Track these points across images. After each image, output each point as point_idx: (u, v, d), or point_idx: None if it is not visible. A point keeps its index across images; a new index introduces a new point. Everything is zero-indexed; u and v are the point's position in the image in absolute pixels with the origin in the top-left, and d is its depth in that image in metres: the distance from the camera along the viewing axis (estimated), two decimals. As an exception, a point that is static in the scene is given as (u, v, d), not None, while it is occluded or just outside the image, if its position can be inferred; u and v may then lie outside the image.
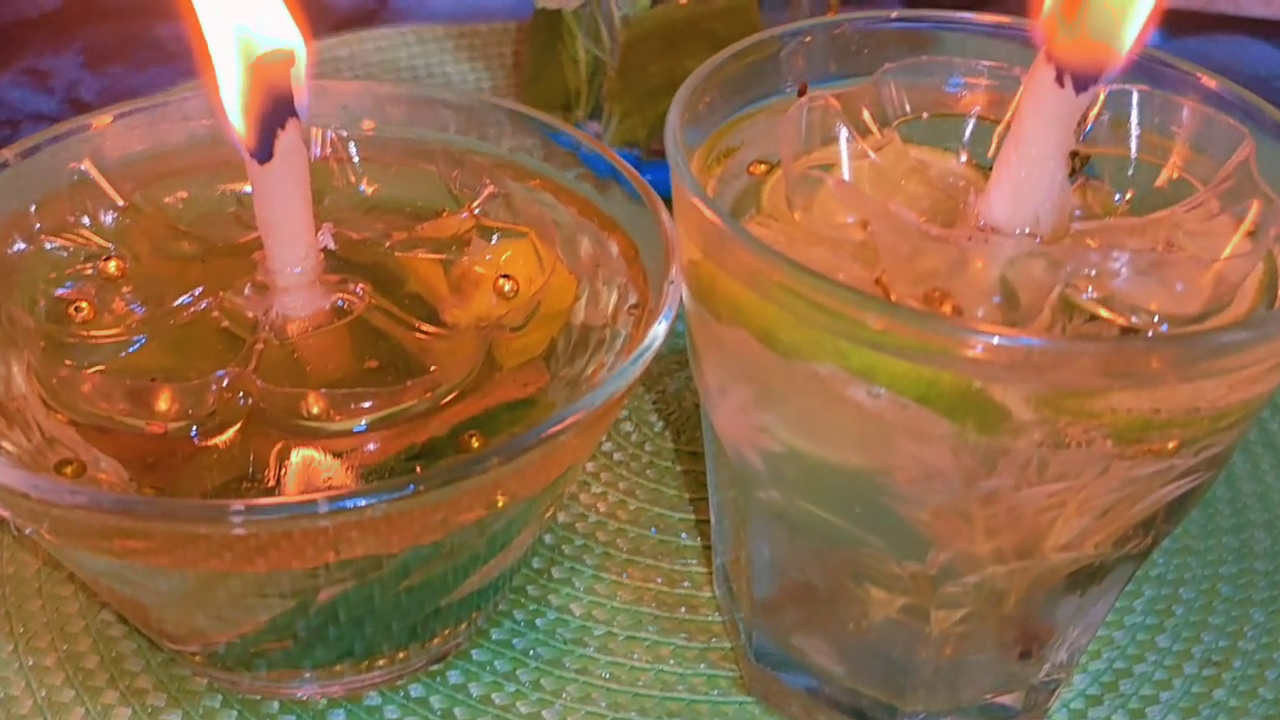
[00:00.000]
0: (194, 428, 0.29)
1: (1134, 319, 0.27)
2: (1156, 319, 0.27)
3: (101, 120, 0.36)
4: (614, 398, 0.29)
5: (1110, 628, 0.38)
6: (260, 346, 0.30)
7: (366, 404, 0.30)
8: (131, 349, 0.31)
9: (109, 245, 0.34)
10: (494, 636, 0.37)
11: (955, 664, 0.32)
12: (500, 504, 0.29)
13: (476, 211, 0.35)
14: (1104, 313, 0.27)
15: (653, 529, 0.41)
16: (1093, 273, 0.26)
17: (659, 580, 0.39)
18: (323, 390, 0.29)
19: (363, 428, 0.30)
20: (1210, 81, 0.31)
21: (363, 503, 0.26)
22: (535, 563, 0.40)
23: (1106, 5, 0.25)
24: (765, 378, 0.28)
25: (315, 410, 0.29)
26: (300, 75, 0.30)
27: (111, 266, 0.33)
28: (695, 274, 0.29)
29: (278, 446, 0.29)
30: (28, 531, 0.28)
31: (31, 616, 0.37)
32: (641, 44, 0.50)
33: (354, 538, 0.28)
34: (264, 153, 0.30)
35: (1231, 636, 0.38)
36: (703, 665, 0.37)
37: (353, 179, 0.37)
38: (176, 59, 0.67)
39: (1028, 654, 0.33)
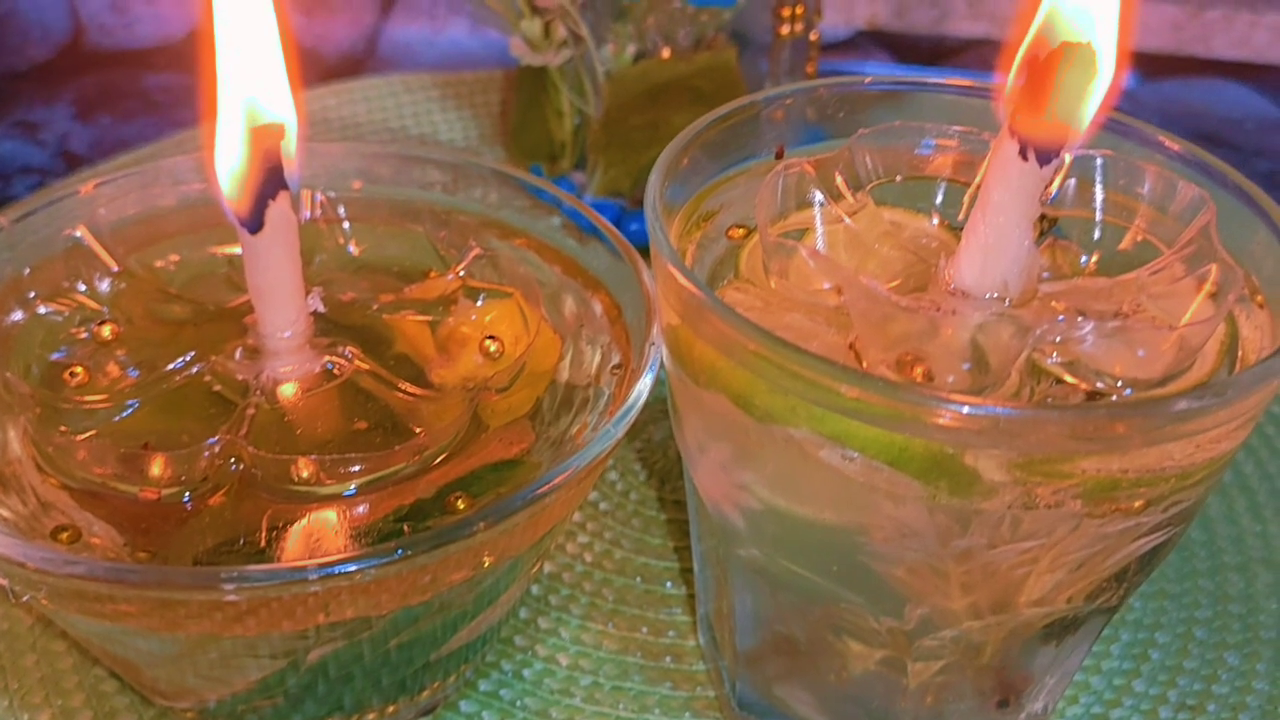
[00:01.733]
0: (186, 493, 0.30)
1: (1099, 384, 0.27)
2: (1120, 383, 0.27)
3: (94, 184, 0.37)
4: (599, 458, 0.30)
5: (1088, 673, 0.39)
6: (251, 411, 0.31)
7: (355, 468, 0.30)
8: (125, 414, 0.31)
9: (103, 310, 0.35)
10: (482, 688, 0.38)
11: (934, 713, 0.33)
12: (486, 564, 0.30)
13: (462, 273, 0.36)
14: (1069, 378, 0.27)
15: (638, 578, 0.42)
16: (1058, 338, 0.27)
17: (644, 630, 0.40)
18: (313, 455, 0.30)
19: (352, 491, 0.31)
20: (1173, 144, 0.32)
21: (352, 569, 0.27)
22: (523, 613, 0.40)
23: (1069, 91, 0.26)
24: (743, 439, 0.29)
25: (305, 475, 0.30)
26: (291, 147, 0.31)
27: (105, 331, 0.34)
28: (674, 338, 0.30)
29: (269, 511, 0.30)
30: (25, 599, 0.29)
31: (26, 673, 0.37)
32: (625, 98, 0.51)
33: (343, 600, 0.28)
34: (255, 223, 0.31)
35: (1206, 680, 0.39)
36: (687, 715, 0.37)
37: (341, 240, 0.38)
38: (163, 109, 0.69)
39: (1005, 703, 0.34)
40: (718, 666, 0.37)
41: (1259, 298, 0.30)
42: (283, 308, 0.32)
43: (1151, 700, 0.38)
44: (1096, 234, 0.32)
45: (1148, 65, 0.74)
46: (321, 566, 0.26)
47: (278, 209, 0.31)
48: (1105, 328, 0.27)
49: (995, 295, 0.29)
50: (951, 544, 0.28)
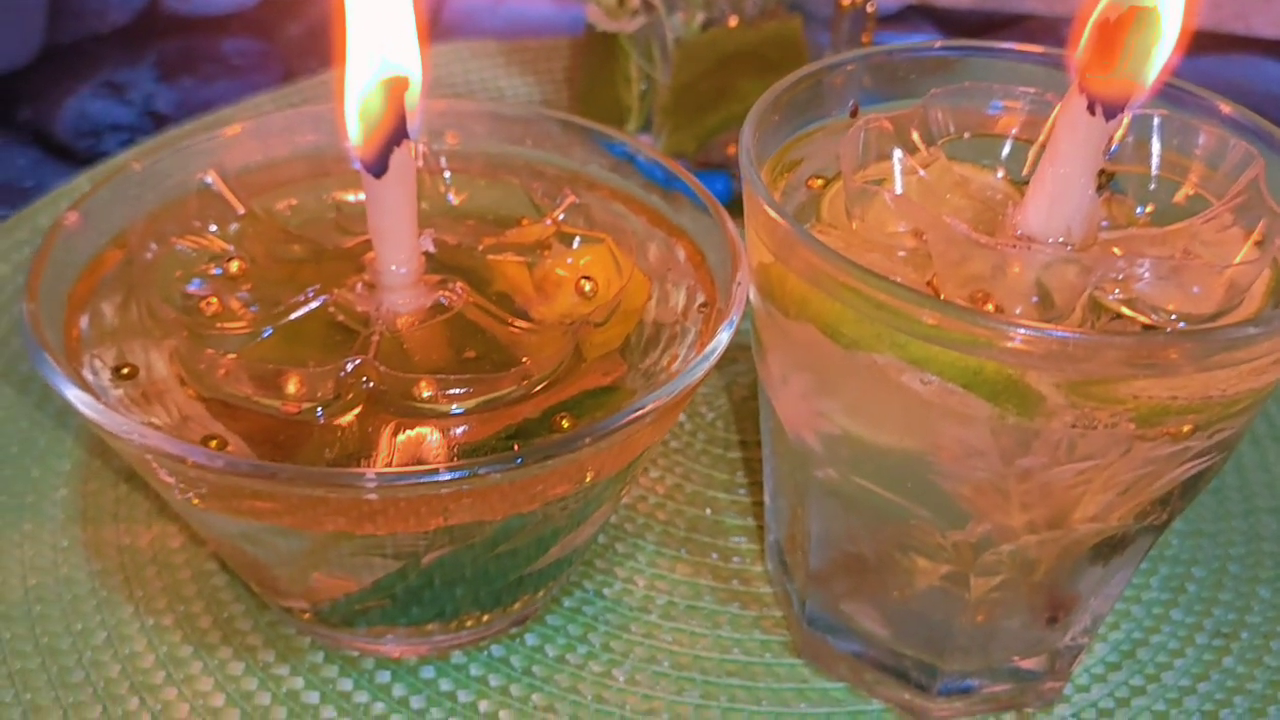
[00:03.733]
0: (320, 409, 0.33)
1: (1154, 318, 0.30)
2: (1174, 317, 0.30)
3: (223, 130, 0.40)
4: (689, 387, 0.33)
5: (1128, 602, 0.42)
6: (376, 338, 0.34)
7: (469, 389, 0.33)
8: (259, 339, 0.35)
9: (229, 248, 0.38)
10: (566, 604, 0.41)
11: (989, 628, 0.36)
12: (587, 480, 0.33)
13: (562, 218, 0.39)
14: (1127, 312, 0.30)
15: (707, 509, 0.45)
16: (1119, 277, 0.30)
17: (714, 556, 0.43)
18: (435, 376, 0.33)
19: (464, 410, 0.34)
20: (1226, 107, 0.35)
21: (480, 472, 0.30)
22: (601, 539, 0.43)
23: (1136, 52, 0.29)
24: (826, 367, 0.32)
25: (427, 394, 0.33)
26: (415, 98, 0.34)
27: (234, 267, 0.37)
28: (765, 275, 0.33)
29: (393, 425, 0.33)
30: (177, 496, 0.32)
31: (148, 582, 0.41)
32: (693, 64, 0.54)
33: (463, 505, 0.32)
34: (381, 168, 0.34)
35: (1240, 611, 0.42)
36: (756, 631, 0.41)
37: (442, 189, 0.41)
38: (242, 73, 0.72)
39: (1054, 620, 0.37)
40: (785, 589, 0.40)
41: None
42: (400, 246, 0.36)
43: (1188, 628, 0.41)
44: (1152, 187, 0.35)
45: (1189, 42, 0.76)
46: (451, 470, 0.30)
47: (400, 155, 0.34)
48: (1161, 267, 0.30)
49: (1060, 239, 0.32)
50: (1014, 463, 0.31)
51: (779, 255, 0.31)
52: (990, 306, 0.30)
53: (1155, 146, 0.35)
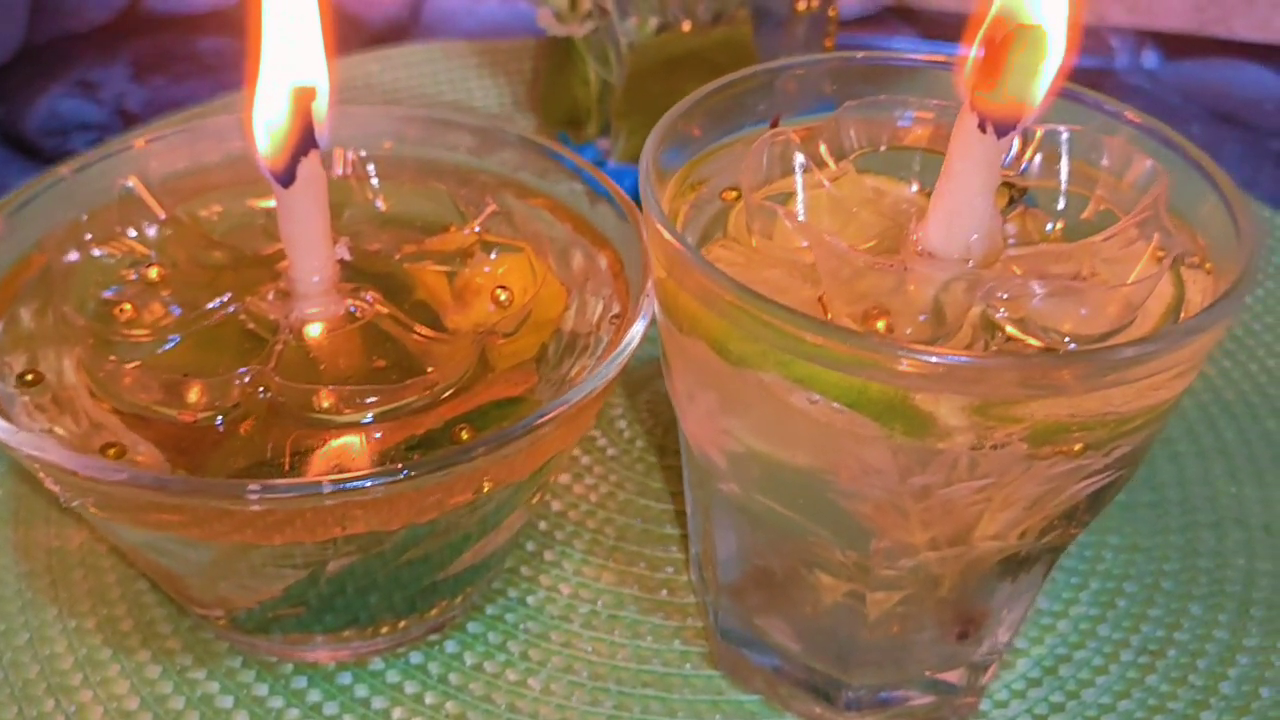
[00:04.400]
0: (219, 417, 0.33)
1: (1045, 338, 0.30)
2: (1065, 339, 0.30)
3: (145, 139, 0.41)
4: (589, 396, 0.33)
5: (1055, 617, 0.42)
6: (280, 347, 0.34)
7: (371, 399, 0.33)
8: (167, 346, 0.35)
9: (150, 254, 0.38)
10: (488, 611, 0.41)
11: (896, 643, 0.36)
12: (487, 489, 0.33)
13: (478, 229, 0.39)
14: (1016, 332, 0.30)
15: (639, 519, 0.45)
16: (1007, 295, 0.30)
17: (642, 565, 0.43)
18: (333, 387, 0.33)
19: (369, 420, 0.34)
20: (1134, 116, 0.35)
21: (363, 485, 0.30)
22: (530, 546, 0.43)
23: (1021, 70, 0.28)
24: (720, 384, 0.32)
25: (326, 405, 0.33)
26: (322, 109, 0.34)
27: (152, 273, 0.38)
28: (662, 290, 0.33)
29: (293, 436, 0.33)
30: (74, 505, 0.32)
31: (74, 585, 0.41)
32: (645, 68, 0.54)
33: (356, 516, 0.32)
34: (288, 178, 0.34)
35: (1168, 628, 0.41)
36: (677, 642, 0.41)
37: (370, 196, 0.41)
38: (215, 72, 0.72)
39: (965, 635, 0.37)
40: (704, 600, 0.40)
41: (1207, 265, 0.33)
42: (311, 255, 0.36)
43: (1114, 644, 0.41)
44: (1061, 204, 0.35)
45: (1169, 45, 0.75)
46: (335, 482, 0.30)
47: (308, 165, 0.34)
48: (1052, 287, 0.30)
49: (960, 257, 0.32)
50: (909, 481, 0.31)
51: (669, 270, 0.31)
52: (881, 324, 0.30)
53: (1064, 162, 0.35)
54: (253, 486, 0.30)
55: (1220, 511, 0.45)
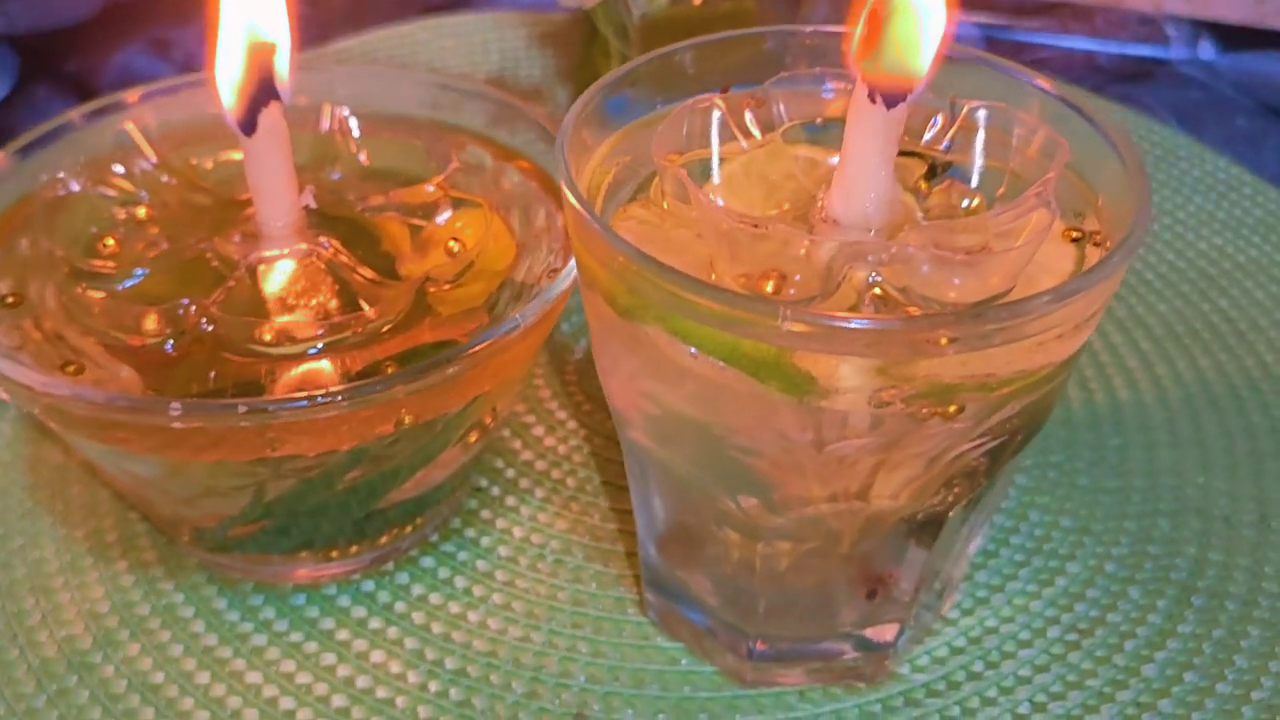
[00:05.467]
0: (169, 343, 0.36)
1: (926, 306, 0.31)
2: (942, 306, 0.31)
3: (154, 90, 0.44)
4: (503, 338, 0.35)
5: (991, 590, 0.42)
6: (231, 283, 0.37)
7: (308, 334, 0.36)
8: (134, 280, 0.38)
9: (140, 193, 0.41)
10: (442, 548, 0.43)
11: (806, 598, 0.37)
12: (407, 421, 0.35)
13: (437, 184, 0.41)
14: (895, 296, 0.31)
15: (599, 471, 0.46)
16: (886, 262, 0.31)
17: (596, 515, 0.45)
18: (271, 321, 0.36)
19: (310, 354, 0.36)
20: (1044, 82, 0.35)
21: (278, 408, 0.32)
22: (495, 490, 0.46)
23: (896, 45, 0.29)
24: (618, 336, 0.33)
25: (267, 337, 0.36)
26: (284, 64, 0.37)
27: (141, 212, 0.41)
28: (573, 246, 0.35)
29: (234, 366, 0.36)
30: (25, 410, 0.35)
31: (71, 499, 0.45)
32: (655, 38, 0.55)
33: (281, 439, 0.34)
34: (249, 127, 0.37)
35: (1103, 609, 0.42)
36: (616, 589, 0.42)
37: (353, 149, 0.44)
38: (283, 35, 0.75)
39: (873, 594, 0.38)
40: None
41: (1107, 241, 0.33)
42: (275, 200, 0.38)
43: (1045, 621, 0.41)
44: (976, 178, 0.35)
45: (1227, 37, 0.74)
46: (249, 405, 0.32)
47: (269, 116, 0.37)
48: (930, 256, 0.31)
49: (859, 225, 0.33)
50: (793, 437, 0.32)
51: (572, 226, 0.33)
52: (769, 286, 0.32)
53: (980, 135, 0.35)
54: (175, 404, 0.32)
55: (1182, 501, 0.45)
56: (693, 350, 0.31)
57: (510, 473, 0.46)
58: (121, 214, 0.41)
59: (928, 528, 0.36)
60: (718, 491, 0.35)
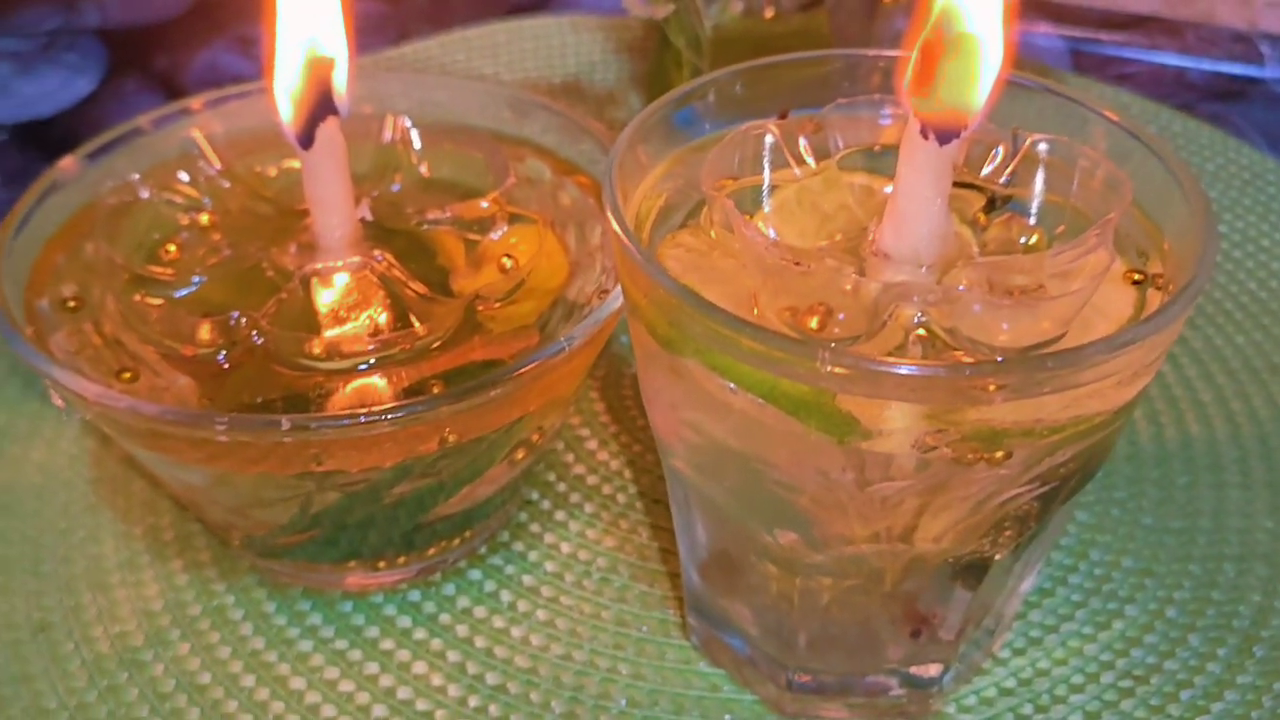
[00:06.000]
0: (221, 354, 0.36)
1: (975, 350, 0.30)
2: (994, 352, 0.30)
3: (222, 98, 0.44)
4: (548, 360, 0.35)
5: (1045, 630, 0.41)
6: (284, 295, 0.37)
7: (357, 349, 0.36)
8: (189, 288, 0.38)
9: (205, 200, 0.42)
10: (490, 561, 0.43)
11: (848, 634, 0.37)
12: (451, 440, 0.35)
13: (498, 197, 0.41)
14: (944, 339, 0.30)
15: (650, 489, 0.46)
16: (933, 304, 0.30)
17: (644, 534, 0.45)
18: (325, 335, 0.36)
19: (360, 369, 0.37)
20: (1112, 115, 0.34)
21: (320, 425, 0.33)
22: (545, 504, 0.46)
23: (950, 79, 0.28)
24: (660, 365, 0.33)
25: (316, 351, 0.36)
26: (341, 79, 0.37)
27: (203, 219, 0.41)
28: (619, 271, 0.34)
29: (286, 377, 0.36)
30: (77, 416, 0.36)
31: (133, 495, 0.46)
32: (727, 51, 0.55)
33: (326, 453, 0.34)
34: (307, 140, 0.37)
35: (1160, 655, 0.40)
36: (663, 610, 0.42)
37: (414, 161, 0.44)
38: (362, 35, 0.76)
39: (918, 634, 0.37)
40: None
41: (1170, 285, 0.32)
42: (332, 212, 0.39)
43: (1099, 665, 0.40)
44: (1035, 214, 0.34)
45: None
46: (292, 420, 0.33)
47: (327, 130, 0.37)
48: (980, 298, 0.30)
49: (910, 260, 0.32)
50: (833, 477, 0.32)
51: (617, 253, 0.33)
52: (814, 322, 0.31)
53: (1040, 169, 0.34)
54: (220, 419, 0.33)
55: (1250, 546, 0.44)
56: (731, 386, 0.31)
57: (561, 486, 0.46)
58: (185, 220, 0.41)
59: (974, 570, 0.35)
60: (757, 525, 0.34)
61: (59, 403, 0.36)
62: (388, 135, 0.44)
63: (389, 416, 0.33)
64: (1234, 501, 0.45)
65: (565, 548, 0.44)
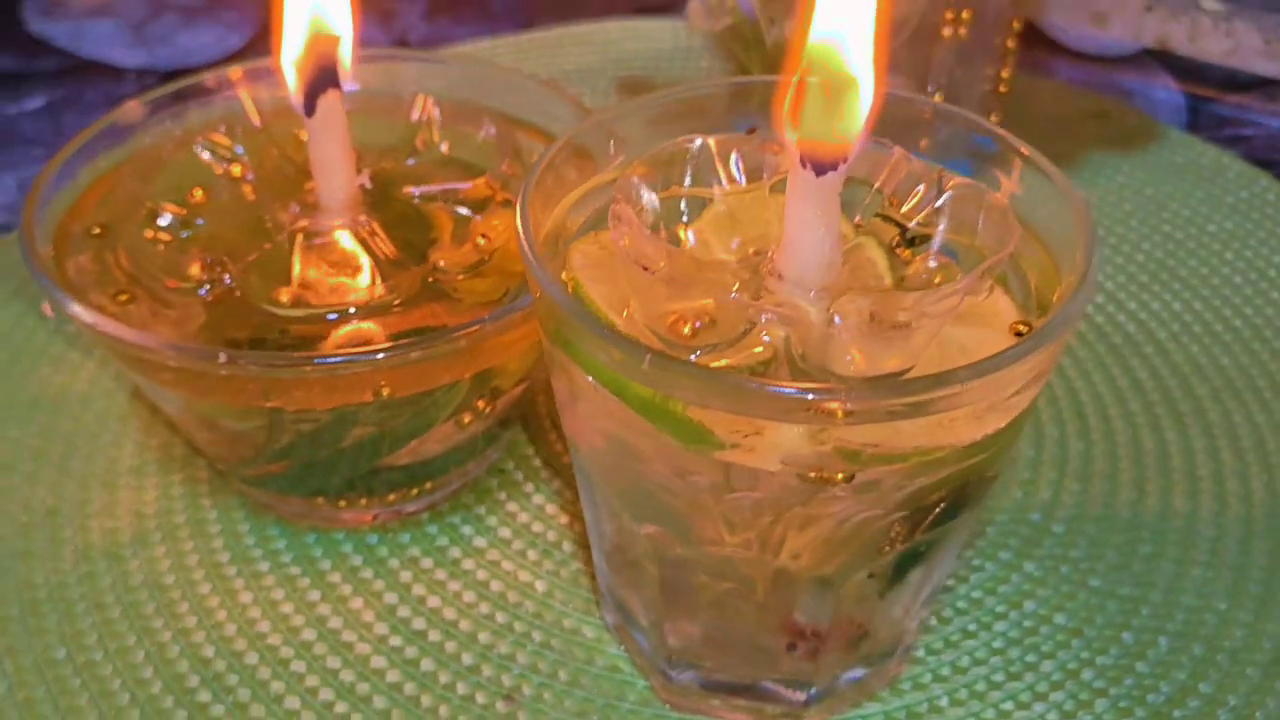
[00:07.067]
0: (203, 289, 0.41)
1: (821, 377, 0.31)
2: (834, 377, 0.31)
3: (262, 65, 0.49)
4: (471, 330, 0.37)
5: (954, 670, 0.41)
6: (268, 245, 0.41)
7: (321, 302, 0.40)
8: (193, 231, 0.43)
9: (238, 149, 0.46)
10: (449, 519, 0.47)
11: (729, 636, 0.38)
12: (386, 393, 0.39)
13: (488, 180, 0.44)
14: (800, 364, 0.31)
15: (618, 476, 0.48)
16: (788, 321, 0.31)
17: (598, 516, 0.47)
18: (294, 286, 0.40)
19: (329, 318, 0.40)
20: (1026, 150, 0.35)
21: (257, 364, 0.36)
22: (518, 475, 0.48)
23: (818, 117, 0.30)
24: (550, 356, 0.35)
25: (283, 299, 0.40)
26: (346, 56, 0.41)
27: (235, 170, 0.46)
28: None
29: (257, 319, 0.40)
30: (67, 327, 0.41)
31: (159, 412, 0.51)
32: (779, 68, 0.56)
33: (272, 390, 0.38)
34: (309, 109, 0.41)
35: (1063, 715, 0.40)
36: (589, 591, 0.44)
37: (435, 139, 0.48)
38: (495, 19, 0.81)
39: (793, 647, 0.38)
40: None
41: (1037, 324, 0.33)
42: (331, 177, 0.42)
43: (997, 714, 0.40)
44: (942, 250, 0.35)
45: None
46: (230, 356, 0.36)
47: (328, 101, 0.41)
48: (839, 326, 0.31)
49: (797, 281, 0.33)
50: (686, 479, 0.33)
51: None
52: (687, 329, 0.33)
53: (945, 210, 0.35)
54: (169, 344, 0.37)
55: (1192, 625, 0.43)
56: (590, 379, 0.33)
57: (536, 461, 0.49)
58: (219, 170, 0.46)
59: (846, 591, 0.36)
60: (630, 517, 0.36)
61: (48, 311, 0.40)
62: (416, 115, 0.48)
63: (320, 362, 0.37)
64: (1193, 579, 0.44)
65: (523, 517, 0.47)
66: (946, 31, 0.54)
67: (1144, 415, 0.51)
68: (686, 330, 0.33)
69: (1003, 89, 0.58)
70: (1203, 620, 0.43)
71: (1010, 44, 0.58)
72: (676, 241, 0.36)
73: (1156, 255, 0.60)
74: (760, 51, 0.58)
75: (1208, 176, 0.65)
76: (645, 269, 0.32)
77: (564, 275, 0.35)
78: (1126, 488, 0.48)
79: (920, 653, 0.42)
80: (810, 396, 0.29)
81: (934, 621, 0.43)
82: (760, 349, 0.32)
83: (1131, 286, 0.58)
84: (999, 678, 0.41)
